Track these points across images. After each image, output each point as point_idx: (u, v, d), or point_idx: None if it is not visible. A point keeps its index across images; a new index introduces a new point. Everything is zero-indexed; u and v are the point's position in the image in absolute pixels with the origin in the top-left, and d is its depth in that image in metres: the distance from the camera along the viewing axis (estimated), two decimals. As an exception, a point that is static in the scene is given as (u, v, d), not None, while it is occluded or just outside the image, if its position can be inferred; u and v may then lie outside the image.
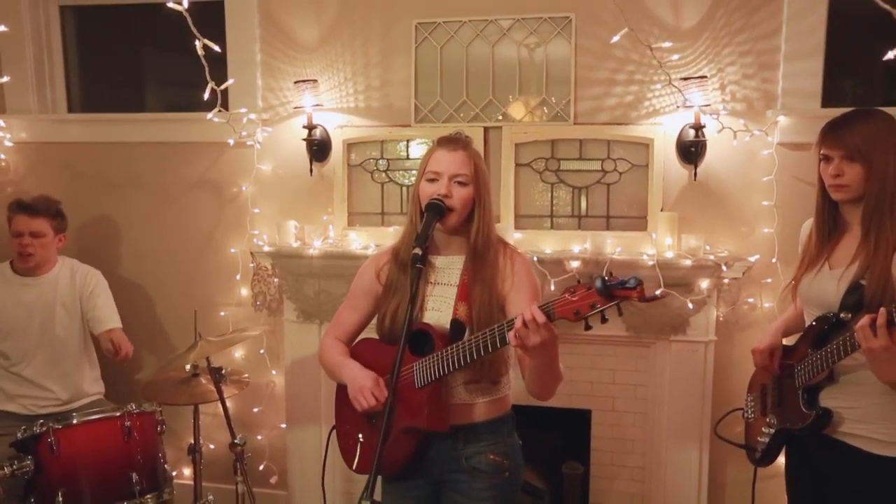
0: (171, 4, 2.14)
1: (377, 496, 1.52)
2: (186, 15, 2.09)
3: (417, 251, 1.74)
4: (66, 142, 3.38)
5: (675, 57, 2.75)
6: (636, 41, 2.74)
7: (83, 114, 3.51)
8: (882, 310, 1.64)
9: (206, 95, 2.61)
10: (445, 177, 1.87)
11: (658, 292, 2.67)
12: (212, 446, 3.26)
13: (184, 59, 2.97)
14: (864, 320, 1.66)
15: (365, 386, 1.86)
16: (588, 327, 1.54)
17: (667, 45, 2.70)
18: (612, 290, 1.47)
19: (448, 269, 1.94)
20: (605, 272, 1.53)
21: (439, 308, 1.90)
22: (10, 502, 2.23)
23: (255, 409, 3.27)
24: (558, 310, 1.55)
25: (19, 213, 2.85)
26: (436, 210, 1.83)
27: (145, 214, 3.36)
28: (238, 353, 3.28)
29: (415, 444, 1.87)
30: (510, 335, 1.61)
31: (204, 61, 2.37)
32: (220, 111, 2.81)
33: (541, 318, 1.54)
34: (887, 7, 1.93)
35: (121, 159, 3.36)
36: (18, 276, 2.90)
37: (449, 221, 1.87)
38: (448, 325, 1.86)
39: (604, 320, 1.53)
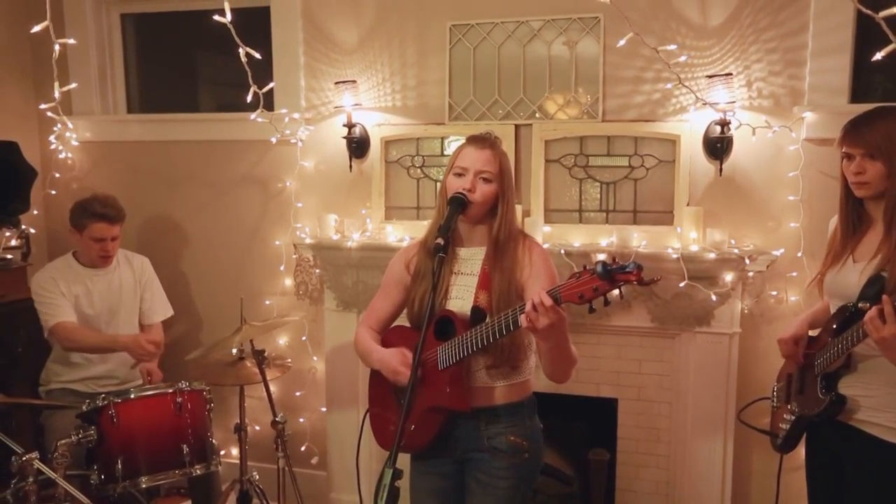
0: (216, 17, 2.31)
1: (404, 477, 1.65)
2: (230, 26, 2.25)
3: (440, 241, 1.87)
4: (126, 140, 3.62)
5: (683, 58, 2.81)
6: (664, 41, 2.81)
7: (141, 114, 3.76)
8: (885, 297, 1.69)
9: (249, 98, 2.79)
10: (471, 172, 1.98)
11: (681, 284, 2.74)
12: (257, 427, 3.44)
13: (233, 61, 3.15)
14: (872, 312, 1.70)
15: (395, 364, 1.99)
16: (592, 310, 1.64)
17: (672, 48, 2.76)
18: (613, 274, 1.58)
19: (470, 259, 2.06)
20: (604, 260, 1.63)
21: (462, 296, 2.02)
22: (74, 468, 2.45)
23: (298, 393, 3.46)
24: (564, 293, 1.66)
25: (100, 221, 2.98)
26: (458, 203, 1.96)
27: (197, 209, 3.58)
28: (282, 339, 3.47)
29: (440, 424, 1.99)
30: (522, 318, 1.72)
31: (247, 67, 2.54)
32: (262, 111, 2.98)
33: (548, 301, 1.66)
34: (870, 13, 1.97)
35: (175, 157, 3.58)
36: (86, 268, 3.10)
37: (470, 213, 1.99)
38: (469, 312, 1.98)
39: (606, 303, 1.63)
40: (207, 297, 3.61)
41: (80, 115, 3.62)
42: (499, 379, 2.01)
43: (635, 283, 1.57)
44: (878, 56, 2.01)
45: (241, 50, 2.36)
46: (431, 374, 1.98)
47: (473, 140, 2.05)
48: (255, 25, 3.30)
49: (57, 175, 3.66)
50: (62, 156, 3.64)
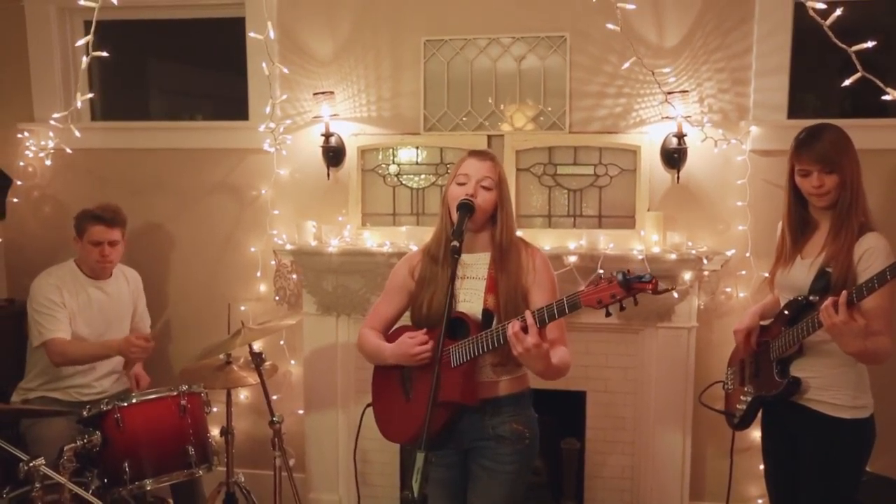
0: (252, 34, 2.39)
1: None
2: (266, 44, 2.33)
3: (455, 243, 2.02)
4: (92, 148, 3.54)
5: (672, 80, 3.08)
6: (623, 58, 3.05)
7: (107, 122, 3.70)
8: (844, 292, 1.94)
9: (268, 109, 2.86)
10: (473, 180, 2.14)
11: (675, 291, 2.98)
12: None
13: (188, 70, 3.13)
14: (827, 301, 1.95)
15: (411, 347, 2.11)
16: (608, 314, 1.84)
17: (667, 70, 3.04)
18: (631, 283, 1.77)
19: (476, 264, 2.20)
20: (623, 270, 1.80)
21: (470, 299, 2.16)
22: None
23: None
24: (584, 299, 1.85)
25: (97, 223, 2.95)
26: (467, 208, 2.10)
27: (168, 216, 3.57)
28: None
29: (447, 417, 2.12)
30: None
31: (269, 80, 2.61)
32: (269, 121, 3.03)
33: (517, 328, 1.90)
34: (844, 46, 2.26)
35: (144, 164, 3.56)
36: (90, 279, 3.05)
37: (475, 219, 2.14)
38: (480, 314, 2.12)
39: (622, 308, 1.82)
40: (181, 304, 3.60)
41: (43, 123, 3.53)
42: (503, 373, 2.16)
43: (650, 292, 1.76)
44: (847, 83, 2.28)
45: (264, 64, 2.43)
46: (444, 371, 2.09)
47: (475, 153, 2.22)
48: (230, 35, 3.35)
49: (19, 183, 3.57)
50: (47, 163, 3.54)
